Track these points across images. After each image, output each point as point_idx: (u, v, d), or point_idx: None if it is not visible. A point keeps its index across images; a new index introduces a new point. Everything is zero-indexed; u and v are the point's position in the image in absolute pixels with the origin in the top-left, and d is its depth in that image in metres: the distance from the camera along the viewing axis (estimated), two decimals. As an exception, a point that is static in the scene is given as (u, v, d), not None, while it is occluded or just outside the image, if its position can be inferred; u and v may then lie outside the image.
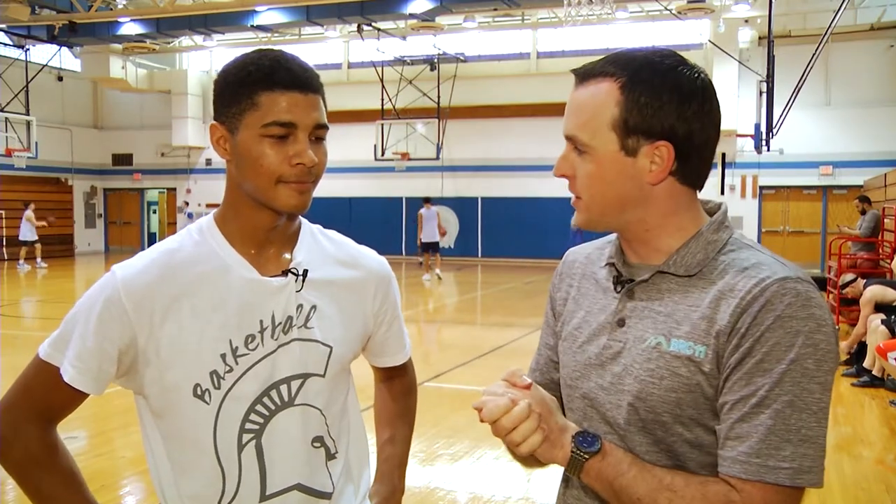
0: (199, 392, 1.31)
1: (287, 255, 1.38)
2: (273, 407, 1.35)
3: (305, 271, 1.37)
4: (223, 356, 1.31)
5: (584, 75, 1.18)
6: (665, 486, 1.08)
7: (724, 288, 1.12)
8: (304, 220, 1.45)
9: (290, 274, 1.36)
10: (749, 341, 1.07)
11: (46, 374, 1.31)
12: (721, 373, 1.10)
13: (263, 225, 1.35)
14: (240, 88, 1.28)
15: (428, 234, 16.83)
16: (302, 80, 1.29)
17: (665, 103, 1.13)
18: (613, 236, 1.29)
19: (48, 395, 1.32)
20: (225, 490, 1.34)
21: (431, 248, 17.04)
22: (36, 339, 1.37)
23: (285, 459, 1.36)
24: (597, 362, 1.22)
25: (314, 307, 1.38)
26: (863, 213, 11.22)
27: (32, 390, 1.33)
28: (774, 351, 1.05)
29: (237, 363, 1.32)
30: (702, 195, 1.25)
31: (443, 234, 17.37)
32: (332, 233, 1.51)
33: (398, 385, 1.67)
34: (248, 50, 1.35)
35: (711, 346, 1.10)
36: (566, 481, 1.31)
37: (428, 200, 17.44)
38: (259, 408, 1.34)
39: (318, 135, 1.31)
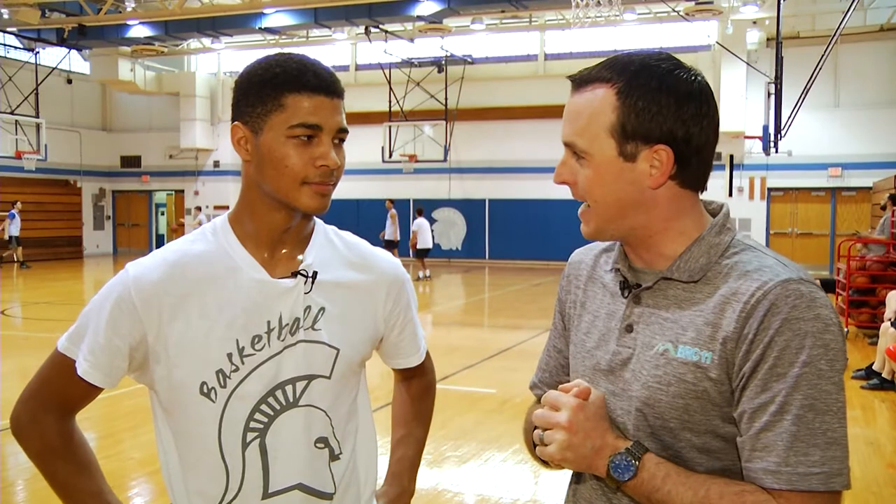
0: (205, 390, 1.33)
1: (299, 257, 1.39)
2: (278, 407, 1.36)
3: (315, 273, 1.38)
4: (229, 355, 1.33)
5: (580, 81, 1.18)
6: (699, 502, 1.07)
7: (728, 293, 1.11)
8: (318, 221, 1.45)
9: (299, 275, 1.37)
10: (760, 347, 1.06)
11: (63, 366, 1.35)
12: (733, 381, 1.09)
13: (278, 226, 1.36)
14: (266, 90, 1.29)
15: (389, 233, 17.52)
16: (328, 83, 1.31)
17: (663, 107, 1.12)
18: None
19: (65, 386, 1.36)
20: (228, 487, 1.36)
21: (392, 245, 17.69)
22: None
23: (288, 459, 1.37)
24: (606, 368, 1.21)
25: (322, 309, 1.39)
26: (883, 208, 11.10)
27: (50, 382, 1.37)
28: (786, 354, 1.05)
29: (243, 363, 1.33)
30: (708, 196, 1.24)
31: (412, 244, 17.67)
32: (347, 234, 1.51)
33: (415, 385, 1.68)
34: (256, 52, 1.36)
35: (717, 352, 1.09)
36: (577, 480, 1.31)
37: (392, 202, 18.05)
38: (264, 407, 1.35)
39: (339, 137, 1.33)
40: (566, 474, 1.34)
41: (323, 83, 1.30)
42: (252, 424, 1.35)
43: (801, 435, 1.04)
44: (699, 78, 1.16)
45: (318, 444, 1.40)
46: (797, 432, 1.04)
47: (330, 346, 1.39)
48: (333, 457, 1.42)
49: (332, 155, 1.30)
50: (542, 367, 1.43)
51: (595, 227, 1.20)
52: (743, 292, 1.09)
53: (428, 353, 1.65)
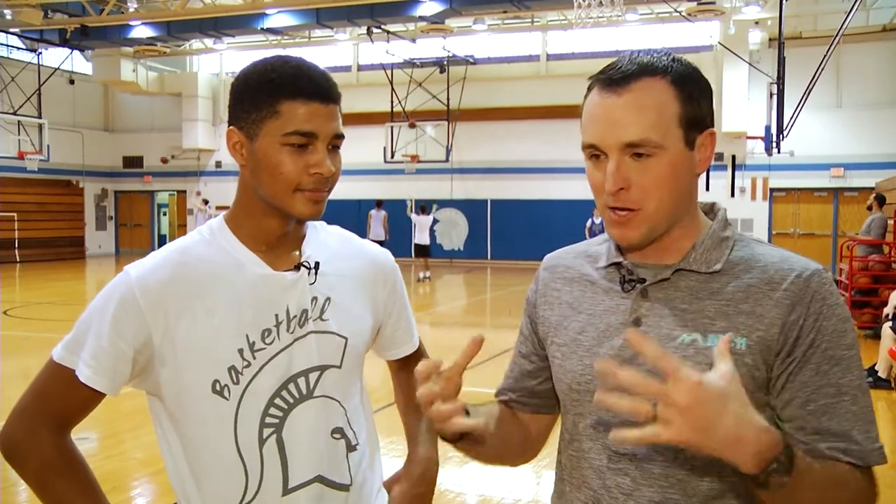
0: (217, 388, 1.32)
1: (296, 252, 1.40)
2: (292, 400, 1.36)
3: (317, 263, 1.39)
4: (240, 351, 1.32)
5: (623, 79, 1.13)
6: (835, 483, 1.07)
7: (757, 282, 1.14)
8: None
9: (302, 268, 1.37)
10: (812, 333, 1.10)
11: (61, 377, 1.31)
12: (777, 367, 1.11)
13: (274, 230, 1.37)
14: (261, 95, 1.28)
15: (374, 234, 17.23)
16: (324, 89, 1.30)
17: (704, 96, 1.16)
18: (602, 237, 1.29)
19: (64, 398, 1.32)
20: (248, 486, 1.34)
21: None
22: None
23: (306, 452, 1.37)
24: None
25: (328, 299, 1.39)
26: (869, 208, 11.10)
27: (47, 395, 1.33)
28: (834, 338, 1.11)
29: (255, 358, 1.33)
30: (712, 196, 1.26)
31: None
32: (336, 228, 1.52)
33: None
34: (258, 52, 1.36)
35: (755, 339, 1.11)
36: (560, 488, 1.30)
37: (379, 203, 17.89)
38: (278, 401, 1.35)
39: (334, 143, 1.33)
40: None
41: (318, 89, 1.29)
42: (268, 420, 1.34)
43: (860, 414, 1.10)
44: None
45: (334, 435, 1.40)
46: (857, 412, 1.10)
47: (339, 335, 1.40)
48: (350, 447, 1.42)
49: (327, 162, 1.30)
50: (507, 374, 1.41)
51: (648, 229, 1.16)
52: (778, 281, 1.13)
53: (420, 341, 1.65)
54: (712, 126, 1.19)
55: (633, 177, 1.12)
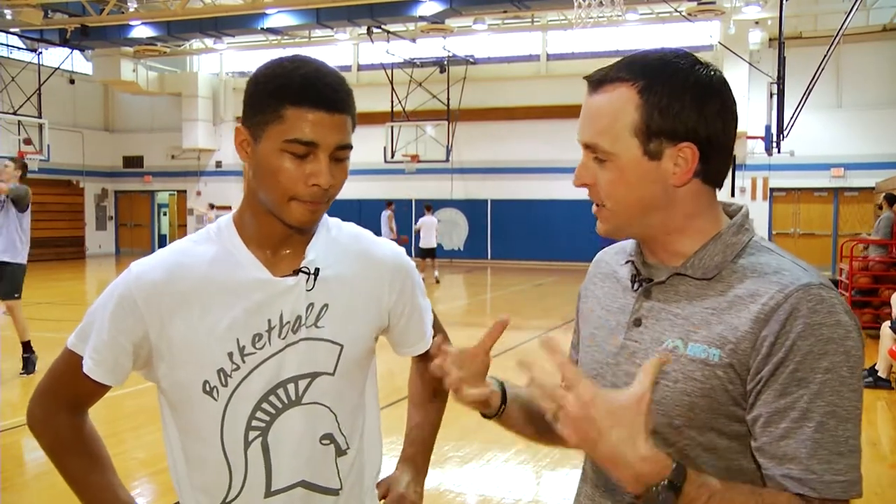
0: (207, 389, 1.34)
1: (302, 254, 1.39)
2: (280, 405, 1.36)
3: (317, 269, 1.38)
4: (230, 354, 1.33)
5: (598, 82, 1.16)
6: None
7: (743, 293, 1.10)
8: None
9: (301, 273, 1.37)
10: (781, 351, 1.05)
11: (72, 363, 1.38)
12: (747, 383, 1.08)
13: (276, 232, 1.36)
14: (267, 99, 1.27)
15: (383, 235, 17.07)
16: (331, 99, 1.27)
17: (686, 104, 1.11)
18: None
19: (74, 383, 1.38)
20: (231, 485, 1.36)
21: None
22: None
23: (291, 457, 1.37)
24: (613, 362, 1.21)
25: (326, 305, 1.38)
26: (880, 207, 11.09)
27: (61, 378, 1.41)
28: (808, 360, 1.04)
29: (244, 362, 1.34)
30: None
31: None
32: (350, 226, 1.50)
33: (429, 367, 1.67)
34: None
35: (727, 351, 1.09)
36: (584, 477, 1.32)
37: (389, 204, 17.91)
38: (265, 406, 1.36)
39: (339, 155, 1.30)
40: (566, 476, 1.34)
41: (324, 99, 1.26)
42: (254, 423, 1.35)
43: (825, 442, 1.04)
44: (717, 73, 1.16)
45: (323, 441, 1.40)
46: (821, 440, 1.04)
47: (333, 342, 1.39)
48: (340, 452, 1.42)
49: (326, 174, 1.27)
50: None
51: (613, 226, 1.20)
52: (761, 294, 1.08)
53: (436, 320, 1.61)
54: (697, 140, 1.12)
55: (597, 176, 1.17)
